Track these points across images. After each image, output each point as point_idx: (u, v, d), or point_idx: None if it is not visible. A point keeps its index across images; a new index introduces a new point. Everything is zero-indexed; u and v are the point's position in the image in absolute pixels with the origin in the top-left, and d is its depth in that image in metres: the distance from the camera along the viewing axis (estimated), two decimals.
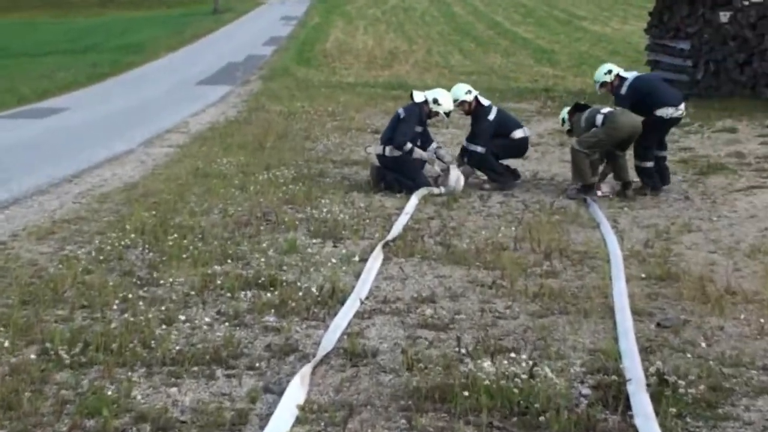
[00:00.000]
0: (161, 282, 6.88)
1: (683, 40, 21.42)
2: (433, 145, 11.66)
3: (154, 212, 9.15)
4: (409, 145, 11.09)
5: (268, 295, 6.55)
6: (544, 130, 16.96)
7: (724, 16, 19.18)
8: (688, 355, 5.44)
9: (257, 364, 5.29)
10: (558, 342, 5.70)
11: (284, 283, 6.79)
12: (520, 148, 12.04)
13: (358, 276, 7.07)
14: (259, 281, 6.86)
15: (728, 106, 17.70)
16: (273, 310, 6.21)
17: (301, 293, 6.52)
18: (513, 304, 6.52)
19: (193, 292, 6.63)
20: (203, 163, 12.36)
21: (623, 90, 10.99)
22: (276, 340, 5.69)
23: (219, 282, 6.79)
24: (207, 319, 6.03)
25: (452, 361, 5.21)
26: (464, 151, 11.87)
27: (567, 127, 11.88)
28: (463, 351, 5.36)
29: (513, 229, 8.88)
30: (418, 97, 11.43)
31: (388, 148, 11.26)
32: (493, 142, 11.58)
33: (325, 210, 9.50)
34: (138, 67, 32.84)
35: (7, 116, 19.64)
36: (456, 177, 11.18)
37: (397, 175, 11.15)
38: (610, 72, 11.27)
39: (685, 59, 21.36)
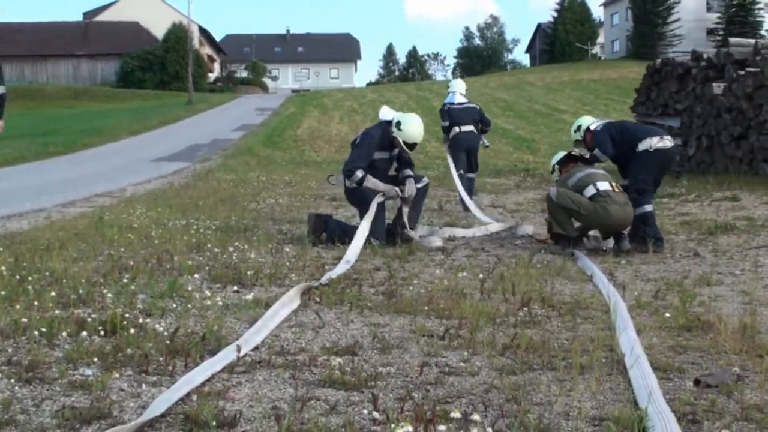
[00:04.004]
0: None
1: (672, 118, 19.70)
2: (407, 172, 9.47)
3: (13, 259, 6.94)
4: (359, 174, 9.02)
5: (97, 339, 4.36)
6: (523, 199, 15.21)
7: (717, 88, 17.42)
8: (754, 424, 3.31)
9: None
10: (540, 406, 3.54)
11: (133, 327, 4.56)
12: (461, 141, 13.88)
13: (253, 323, 4.90)
14: (101, 326, 4.63)
15: (724, 180, 15.76)
16: (96, 360, 4.01)
17: (152, 341, 4.33)
18: (473, 358, 4.35)
19: None
20: (111, 216, 10.23)
21: (599, 136, 9.49)
22: (80, 402, 3.50)
23: (38, 326, 4.56)
24: None
25: None
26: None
27: (556, 177, 9.95)
28: (378, 415, 3.20)
29: (480, 276, 6.74)
30: (386, 114, 9.38)
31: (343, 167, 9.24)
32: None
33: (238, 255, 7.35)
34: (93, 147, 30.83)
35: None
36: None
37: (345, 225, 9.12)
38: (579, 128, 9.91)
39: (675, 137, 19.56)
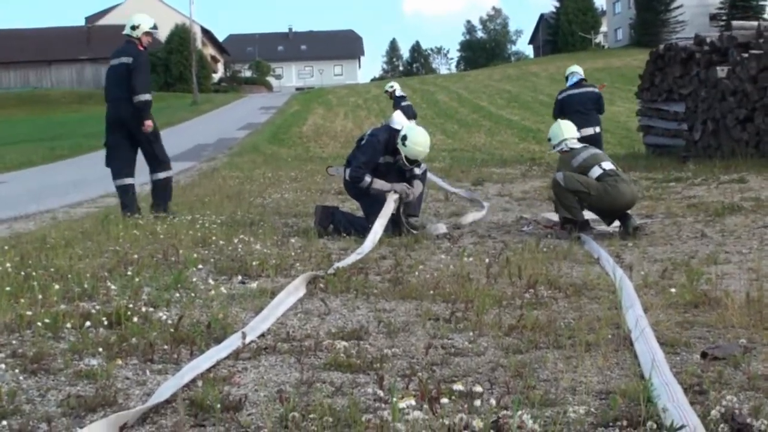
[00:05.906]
0: None
1: (677, 103, 19.61)
2: (415, 171, 9.32)
3: (19, 257, 6.94)
4: (367, 179, 8.98)
5: (102, 330, 4.36)
6: (530, 188, 15.13)
7: (721, 71, 17.32)
8: (761, 393, 3.29)
9: (38, 427, 3.10)
10: (546, 383, 3.53)
11: (137, 317, 4.57)
12: None
13: (259, 312, 4.89)
14: (106, 318, 4.63)
15: (732, 164, 15.68)
16: (101, 351, 4.01)
17: (157, 330, 4.33)
18: (479, 339, 4.35)
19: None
20: (117, 214, 10.24)
21: None
22: (85, 391, 3.50)
23: (42, 319, 4.55)
24: None
25: (365, 412, 3.06)
26: None
27: (552, 145, 9.75)
28: (383, 393, 3.19)
29: (487, 260, 6.73)
30: (396, 122, 9.30)
31: (348, 171, 9.19)
32: None
33: (244, 248, 7.34)
34: (99, 150, 30.73)
35: None
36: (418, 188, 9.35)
37: (351, 216, 9.13)
38: None
39: (680, 122, 19.50)
